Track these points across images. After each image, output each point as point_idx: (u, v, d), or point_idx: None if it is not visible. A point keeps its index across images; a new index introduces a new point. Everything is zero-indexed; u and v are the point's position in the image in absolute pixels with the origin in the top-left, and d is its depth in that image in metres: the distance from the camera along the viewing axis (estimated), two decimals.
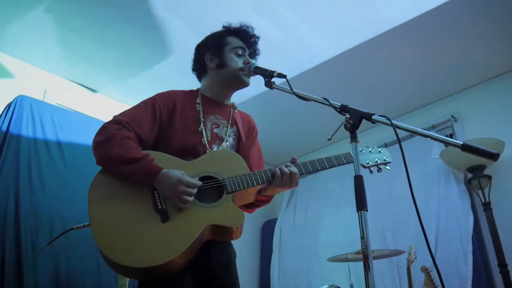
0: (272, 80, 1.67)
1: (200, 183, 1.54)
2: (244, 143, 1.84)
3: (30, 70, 3.47)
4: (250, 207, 1.85)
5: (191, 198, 1.50)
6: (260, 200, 1.81)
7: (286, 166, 1.66)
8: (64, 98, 3.62)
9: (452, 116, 3.92)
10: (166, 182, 1.50)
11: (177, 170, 1.53)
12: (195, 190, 1.51)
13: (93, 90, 3.86)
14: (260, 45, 1.95)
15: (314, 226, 4.50)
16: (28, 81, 3.42)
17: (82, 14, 3.00)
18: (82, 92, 3.79)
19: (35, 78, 3.48)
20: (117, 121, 1.64)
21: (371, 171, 1.77)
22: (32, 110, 3.07)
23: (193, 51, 1.96)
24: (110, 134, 1.57)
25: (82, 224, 2.42)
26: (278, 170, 1.64)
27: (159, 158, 1.58)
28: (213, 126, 1.79)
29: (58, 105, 3.50)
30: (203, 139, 1.72)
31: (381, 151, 1.79)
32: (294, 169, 1.66)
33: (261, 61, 1.87)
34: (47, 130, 3.08)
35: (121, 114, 1.70)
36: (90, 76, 3.69)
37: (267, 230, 4.99)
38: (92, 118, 3.55)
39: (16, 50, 3.34)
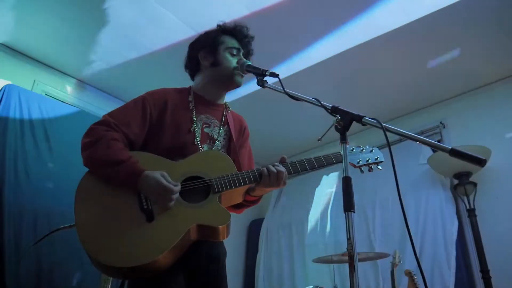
0: (265, 79, 1.66)
1: (179, 188, 1.51)
2: (235, 144, 1.83)
3: (20, 59, 3.42)
4: (238, 207, 1.83)
5: (172, 202, 1.48)
6: (249, 201, 1.80)
7: (273, 165, 1.65)
8: (53, 89, 3.57)
9: (440, 123, 3.97)
10: (147, 184, 1.48)
11: (158, 172, 1.50)
12: (175, 195, 1.49)
13: (82, 81, 3.82)
14: (253, 44, 1.95)
15: (300, 227, 4.52)
16: (17, 70, 3.37)
17: (75, 4, 2.97)
18: (71, 83, 3.74)
19: (24, 68, 3.43)
20: (104, 122, 1.61)
21: (361, 171, 1.74)
22: (20, 99, 3.03)
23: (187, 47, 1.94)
24: (96, 136, 1.56)
25: (69, 225, 2.40)
26: (265, 170, 1.63)
27: (144, 159, 1.56)
28: (204, 126, 1.77)
29: (47, 96, 3.45)
30: (195, 139, 1.71)
31: (373, 150, 1.77)
32: (281, 168, 1.64)
33: (254, 60, 1.86)
34: (35, 121, 3.05)
35: (110, 114, 1.67)
36: (78, 67, 3.65)
37: (254, 229, 5.00)
38: (81, 110, 3.51)
39: (6, 38, 3.30)
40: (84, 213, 1.47)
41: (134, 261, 1.37)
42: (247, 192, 1.73)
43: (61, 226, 2.41)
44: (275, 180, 1.62)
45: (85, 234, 1.42)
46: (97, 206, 1.49)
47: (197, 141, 1.71)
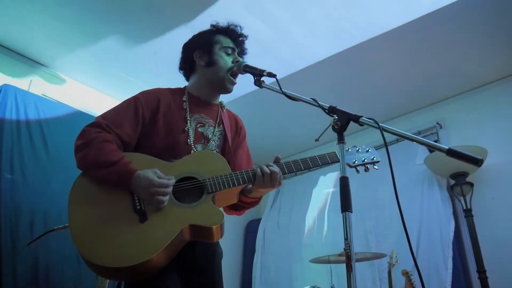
0: (262, 79, 1.66)
1: (173, 181, 1.51)
2: (230, 143, 1.82)
3: (16, 59, 3.41)
4: (238, 209, 1.83)
5: (165, 198, 1.47)
6: (247, 202, 1.79)
7: (267, 166, 1.62)
8: (49, 89, 3.56)
9: (437, 123, 3.98)
10: (139, 184, 1.48)
11: (150, 170, 1.50)
12: (169, 189, 1.49)
13: (79, 82, 3.81)
14: (250, 44, 1.95)
15: (297, 227, 4.52)
16: (14, 70, 3.36)
17: (73, 4, 2.96)
18: (68, 84, 3.73)
19: (21, 68, 3.42)
20: (97, 124, 1.61)
21: (357, 171, 1.73)
22: (16, 99, 3.02)
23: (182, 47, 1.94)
24: (89, 138, 1.56)
25: (63, 225, 2.39)
26: (259, 170, 1.61)
27: (137, 160, 1.56)
28: (198, 126, 1.76)
29: (43, 96, 3.44)
30: (188, 139, 1.70)
31: (369, 150, 1.76)
32: (275, 168, 1.62)
33: (251, 60, 1.86)
34: (31, 121, 3.03)
35: (102, 115, 1.67)
36: (76, 67, 3.64)
37: (251, 229, 5.00)
38: (77, 110, 3.50)
39: (2, 38, 3.28)
40: (78, 215, 1.46)
41: (127, 261, 1.36)
42: (243, 193, 1.72)
43: (55, 227, 2.41)
44: (269, 181, 1.60)
45: (78, 235, 1.42)
46: (91, 208, 1.48)
47: (191, 141, 1.70)
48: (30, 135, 2.99)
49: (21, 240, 2.65)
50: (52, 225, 2.66)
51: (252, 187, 1.67)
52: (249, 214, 5.04)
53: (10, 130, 2.90)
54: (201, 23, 1.97)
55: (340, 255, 3.01)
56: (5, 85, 3.04)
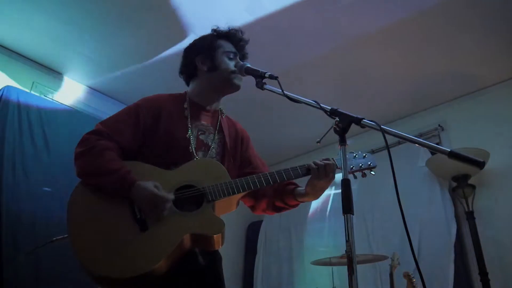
0: (263, 81, 1.66)
1: (172, 198, 1.50)
2: (229, 150, 1.82)
3: (19, 60, 3.42)
4: (278, 210, 1.86)
5: (165, 212, 1.47)
6: (292, 205, 1.82)
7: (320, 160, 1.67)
8: (52, 91, 3.57)
9: (439, 125, 3.97)
10: (139, 194, 1.47)
11: (150, 182, 1.50)
12: (168, 204, 1.48)
13: (81, 83, 3.81)
14: (251, 46, 1.95)
15: (299, 229, 4.51)
16: (16, 72, 3.37)
17: (75, 6, 2.97)
18: (70, 85, 3.74)
19: (23, 70, 3.43)
20: (97, 132, 1.61)
21: (355, 176, 1.74)
22: (18, 101, 3.02)
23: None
24: (88, 145, 1.55)
25: (62, 236, 2.38)
26: (312, 164, 1.66)
27: (137, 169, 1.56)
28: (199, 133, 1.76)
29: (45, 98, 3.45)
30: (190, 147, 1.69)
31: (366, 156, 1.77)
32: (329, 161, 1.67)
33: (251, 62, 1.86)
34: (33, 122, 3.04)
35: (103, 123, 1.67)
36: (78, 69, 3.65)
37: (252, 231, 4.99)
38: (80, 111, 3.51)
39: (5, 40, 3.29)
40: (77, 225, 1.46)
41: (129, 271, 1.36)
42: (294, 196, 1.76)
43: (54, 238, 2.39)
44: (323, 172, 1.64)
45: (78, 246, 1.42)
46: (90, 217, 1.48)
47: (192, 149, 1.69)
48: (32, 136, 3.00)
49: (23, 242, 2.65)
50: (53, 227, 2.65)
51: (306, 189, 1.71)
52: (250, 216, 5.04)
53: (12, 131, 2.90)
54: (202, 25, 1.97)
55: (341, 257, 3.01)
56: (7, 86, 3.05)
